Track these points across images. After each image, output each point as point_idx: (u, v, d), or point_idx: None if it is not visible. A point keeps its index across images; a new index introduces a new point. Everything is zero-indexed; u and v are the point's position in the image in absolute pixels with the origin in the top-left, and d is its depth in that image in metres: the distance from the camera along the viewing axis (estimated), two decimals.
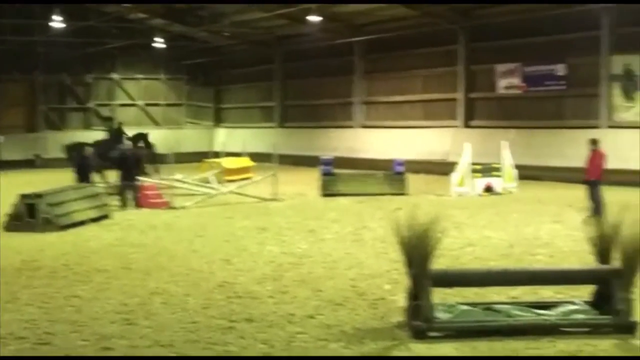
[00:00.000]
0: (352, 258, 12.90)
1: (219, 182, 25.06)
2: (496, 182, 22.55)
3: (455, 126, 31.99)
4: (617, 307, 8.42)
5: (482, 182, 22.41)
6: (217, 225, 17.06)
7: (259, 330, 8.69)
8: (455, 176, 22.31)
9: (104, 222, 17.84)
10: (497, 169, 22.75)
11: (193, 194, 22.02)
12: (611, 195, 16.93)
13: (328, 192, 22.77)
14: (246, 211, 19.47)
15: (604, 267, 8.81)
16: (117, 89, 44.07)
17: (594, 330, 8.50)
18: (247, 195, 21.74)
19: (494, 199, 21.27)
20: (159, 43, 40.09)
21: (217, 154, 28.73)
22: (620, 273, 8.57)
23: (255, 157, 30.70)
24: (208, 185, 24.22)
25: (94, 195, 19.09)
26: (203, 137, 43.99)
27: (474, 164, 22.53)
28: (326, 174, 23.42)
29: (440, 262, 9.34)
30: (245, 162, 29.49)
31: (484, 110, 31.55)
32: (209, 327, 8.84)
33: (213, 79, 46.59)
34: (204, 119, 46.79)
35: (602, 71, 26.80)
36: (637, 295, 8.79)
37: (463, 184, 22.24)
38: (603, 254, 8.84)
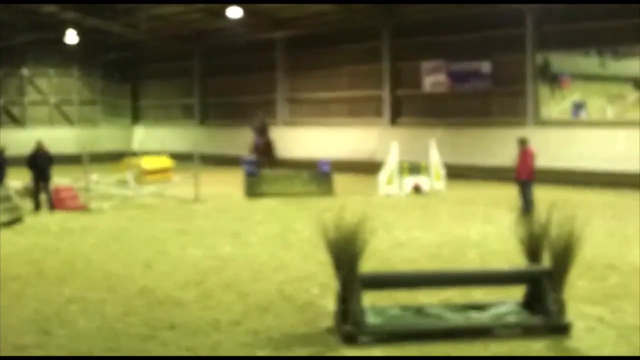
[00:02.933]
0: (279, 261, 12.63)
1: (138, 183, 24.48)
2: (424, 182, 22.49)
3: (382, 124, 31.99)
4: (548, 308, 8.34)
5: (410, 181, 22.31)
6: (136, 228, 16.62)
7: (182, 338, 8.40)
8: (382, 176, 22.18)
9: (17, 226, 17.17)
10: (425, 168, 22.70)
11: (110, 196, 21.42)
12: (540, 194, 17.03)
13: (252, 192, 22.40)
14: (167, 213, 19.04)
15: (535, 267, 8.73)
16: (27, 85, 42.70)
17: (526, 331, 8.40)
18: (167, 197, 21.28)
19: (422, 199, 21.23)
20: (71, 37, 38.91)
21: (135, 154, 28.10)
22: (551, 273, 8.50)
23: (175, 156, 30.16)
24: (126, 186, 23.61)
25: (6, 198, 18.32)
26: (120, 135, 43.00)
27: (401, 162, 22.44)
28: (250, 174, 23.04)
29: (369, 264, 9.13)
30: (165, 161, 28.92)
31: (411, 108, 31.61)
32: (129, 335, 8.51)
33: (130, 75, 45.59)
34: (120, 117, 45.76)
35: (527, 69, 27.08)
36: (569, 295, 8.72)
37: (391, 183, 22.12)
38: (533, 253, 8.77)
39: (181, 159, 29.73)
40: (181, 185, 22.72)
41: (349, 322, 8.12)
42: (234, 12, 31.17)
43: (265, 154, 31.52)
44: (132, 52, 43.70)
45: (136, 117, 45.89)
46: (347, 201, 19.59)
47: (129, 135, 43.04)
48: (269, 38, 35.69)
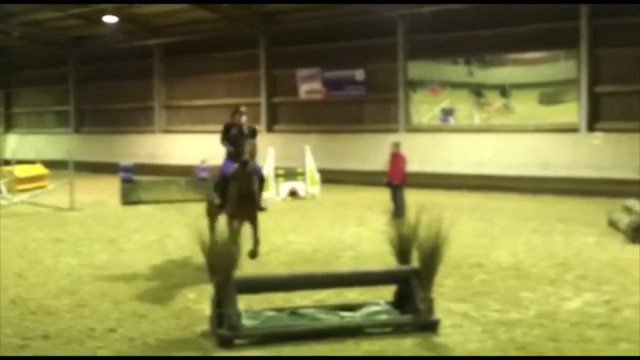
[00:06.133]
0: (155, 268, 12.57)
1: (11, 191, 23.76)
2: (300, 187, 22.80)
3: (259, 131, 32.10)
4: (417, 307, 8.61)
5: (286, 186, 22.58)
6: (9, 238, 16.07)
7: (56, 347, 8.26)
8: None
9: None
10: (301, 173, 23.00)
11: None
12: (411, 197, 17.46)
13: (128, 200, 22.14)
14: (40, 222, 18.54)
15: (404, 267, 9.02)
16: None
17: (397, 329, 8.65)
18: (41, 205, 20.75)
19: (298, 204, 21.49)
20: None
21: (8, 162, 27.19)
22: (420, 273, 8.79)
23: (50, 164, 29.39)
24: None
25: None
26: None
27: (277, 168, 22.68)
28: (126, 181, 22.74)
29: (246, 269, 9.27)
30: (39, 169, 28.13)
31: (287, 115, 31.90)
32: (1, 346, 8.28)
33: (2, 81, 44.22)
34: None
35: (399, 77, 27.80)
36: (437, 293, 9.07)
37: (267, 188, 22.29)
38: (403, 254, 9.05)
39: (56, 167, 28.99)
40: (56, 193, 22.18)
41: (224, 326, 8.17)
42: (110, 19, 30.69)
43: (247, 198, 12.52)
44: (4, 58, 42.35)
45: (9, 124, 44.50)
46: None
47: (1, 144, 41.65)
48: (146, 45, 35.33)
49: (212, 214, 12.83)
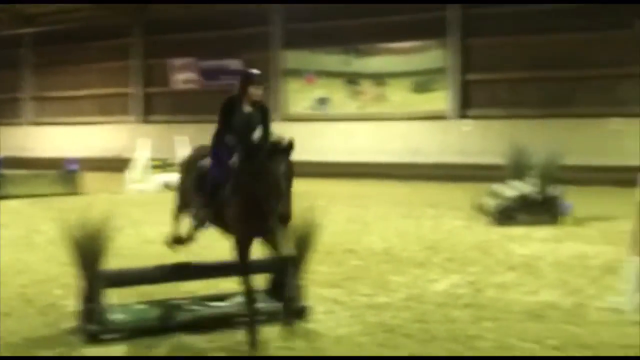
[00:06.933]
0: (22, 264, 12.17)
1: None
2: (175, 178, 22.54)
3: (133, 121, 31.62)
4: (290, 294, 8.68)
5: (160, 178, 22.31)
6: None
7: None
8: (131, 173, 22.03)
9: None
10: (175, 165, 22.77)
11: None
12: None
13: None
14: None
15: (278, 256, 9.05)
16: None
17: (270, 317, 8.68)
18: None
19: (172, 195, 21.23)
20: None
21: None
22: (293, 260, 8.85)
23: None
24: None
25: None
26: None
27: (152, 159, 22.39)
28: None
29: (117, 262, 9.09)
30: None
31: (162, 105, 31.50)
32: None
33: None
34: None
35: (275, 66, 27.87)
36: (311, 280, 9.18)
37: (141, 180, 22.00)
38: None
39: None
40: None
41: (92, 321, 8.03)
42: None
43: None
44: None
45: None
46: (95, 199, 19.25)
47: None
48: (15, 34, 34.20)
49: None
